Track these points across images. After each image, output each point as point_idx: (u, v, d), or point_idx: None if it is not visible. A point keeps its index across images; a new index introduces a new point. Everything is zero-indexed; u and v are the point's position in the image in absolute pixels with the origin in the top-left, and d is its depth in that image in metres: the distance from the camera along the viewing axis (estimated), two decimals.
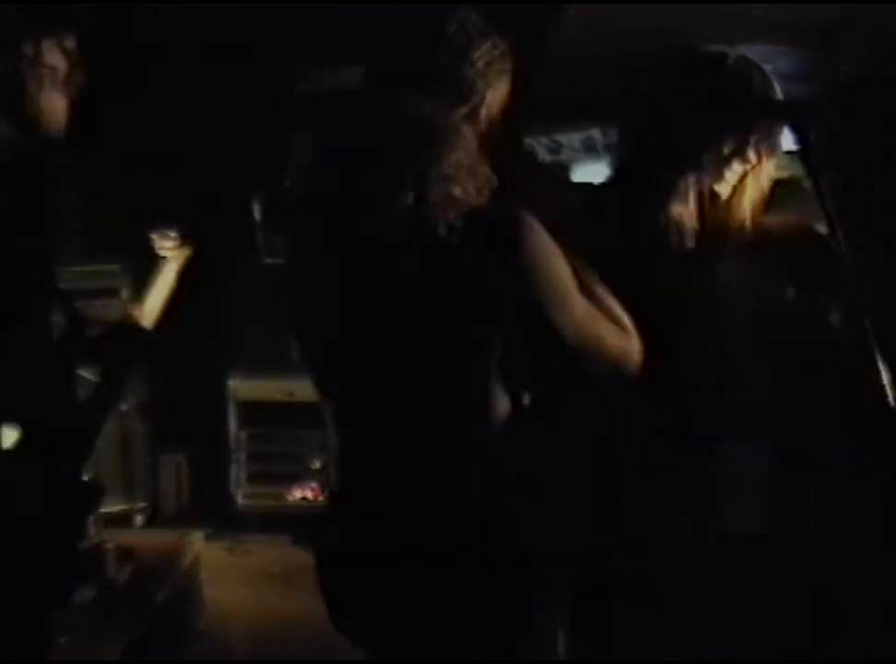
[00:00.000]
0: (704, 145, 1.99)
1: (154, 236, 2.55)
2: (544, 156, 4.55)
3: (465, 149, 1.65)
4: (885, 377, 1.68)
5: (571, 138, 4.62)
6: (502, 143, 1.83)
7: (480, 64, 1.75)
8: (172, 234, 2.54)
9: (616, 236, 1.98)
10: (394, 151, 1.64)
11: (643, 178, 2.05)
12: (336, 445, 1.85)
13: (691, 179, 1.98)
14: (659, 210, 1.98)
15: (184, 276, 2.59)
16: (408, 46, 1.78)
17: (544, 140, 4.61)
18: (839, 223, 1.78)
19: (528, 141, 4.46)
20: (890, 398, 1.67)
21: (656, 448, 1.95)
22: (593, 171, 4.46)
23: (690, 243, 2.01)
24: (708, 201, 2.00)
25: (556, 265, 1.63)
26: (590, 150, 4.59)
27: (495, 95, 1.80)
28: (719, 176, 2.00)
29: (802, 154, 1.88)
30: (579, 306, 1.65)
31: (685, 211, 1.99)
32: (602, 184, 2.16)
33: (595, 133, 4.57)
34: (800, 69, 2.02)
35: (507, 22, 1.81)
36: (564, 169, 4.45)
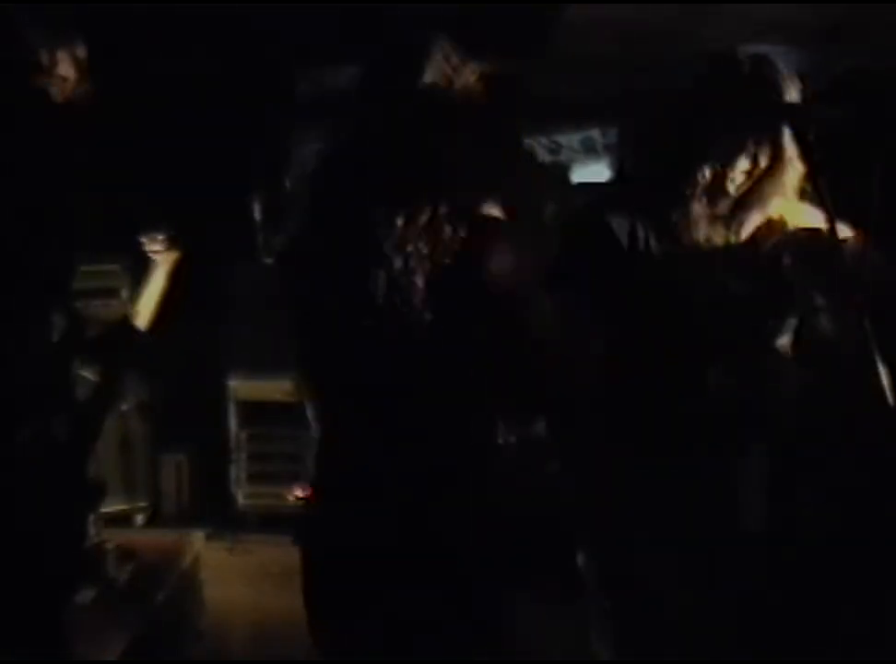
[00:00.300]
0: (705, 143, 1.99)
1: (143, 239, 2.55)
2: (544, 156, 4.55)
3: (465, 163, 1.77)
4: (885, 378, 1.68)
5: (571, 138, 4.62)
6: (501, 145, 1.88)
7: (462, 89, 1.86)
8: (160, 237, 2.54)
9: (618, 236, 1.98)
10: (416, 165, 1.69)
11: (645, 177, 2.06)
12: (327, 445, 1.85)
13: (695, 177, 1.99)
14: (664, 209, 1.99)
15: (174, 278, 2.59)
16: (396, 70, 1.86)
17: (544, 140, 4.61)
18: (839, 223, 1.78)
19: (528, 141, 4.46)
20: (890, 399, 1.68)
21: (656, 449, 1.95)
22: (593, 171, 4.47)
23: (700, 241, 2.01)
24: (714, 198, 2.01)
25: (521, 269, 1.76)
26: (590, 150, 4.59)
27: (474, 114, 1.89)
28: (725, 174, 2.00)
29: (802, 154, 1.88)
30: (541, 307, 1.79)
31: (692, 208, 1.99)
32: (603, 184, 2.17)
33: (595, 133, 4.58)
34: (800, 69, 2.03)
35: (508, 22, 1.87)
36: (564, 169, 4.46)
